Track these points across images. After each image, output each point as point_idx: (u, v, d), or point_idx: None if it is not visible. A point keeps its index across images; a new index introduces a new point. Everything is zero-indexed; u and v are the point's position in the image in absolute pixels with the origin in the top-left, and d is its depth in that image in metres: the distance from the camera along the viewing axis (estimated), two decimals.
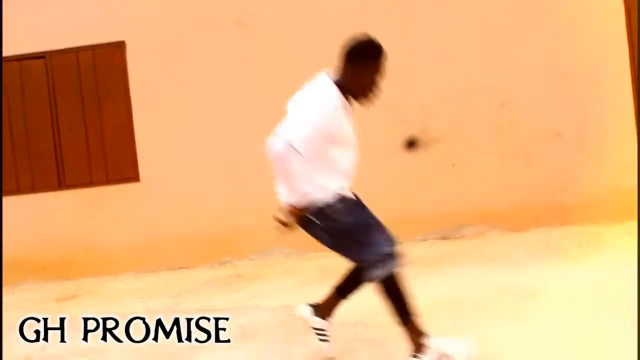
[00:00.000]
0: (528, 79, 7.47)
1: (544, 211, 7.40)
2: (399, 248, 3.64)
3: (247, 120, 7.59)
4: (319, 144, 3.53)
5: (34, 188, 8.04)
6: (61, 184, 8.02)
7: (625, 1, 7.17)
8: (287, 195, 3.62)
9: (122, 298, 6.26)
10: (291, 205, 3.61)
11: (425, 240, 7.56)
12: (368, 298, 5.23)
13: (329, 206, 3.61)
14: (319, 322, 4.00)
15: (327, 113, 3.55)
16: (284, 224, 3.62)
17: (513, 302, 4.66)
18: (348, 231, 3.65)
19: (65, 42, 7.98)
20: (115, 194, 7.93)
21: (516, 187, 7.52)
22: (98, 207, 7.93)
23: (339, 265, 6.81)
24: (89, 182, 7.97)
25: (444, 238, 7.56)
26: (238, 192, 7.69)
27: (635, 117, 7.12)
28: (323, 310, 4.03)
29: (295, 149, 3.43)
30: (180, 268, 7.75)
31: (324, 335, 3.97)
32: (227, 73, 7.76)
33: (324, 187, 3.61)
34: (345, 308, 4.99)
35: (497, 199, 7.54)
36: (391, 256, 3.59)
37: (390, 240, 3.63)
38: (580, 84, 7.37)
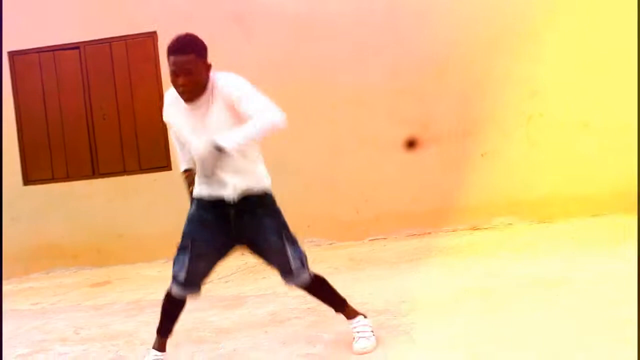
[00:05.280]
0: (558, 69, 7.44)
1: (573, 202, 7.39)
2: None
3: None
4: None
5: (68, 176, 8.18)
6: (95, 172, 8.16)
7: None
8: None
9: (154, 285, 6.34)
10: None
11: (454, 230, 7.59)
12: (392, 287, 5.33)
13: None
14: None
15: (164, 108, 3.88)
16: None
17: (540, 293, 4.68)
18: None
19: (98, 32, 8.08)
20: (148, 182, 8.05)
21: (545, 178, 7.51)
22: (131, 195, 8.05)
23: (368, 254, 6.93)
24: (122, 170, 8.10)
25: (474, 228, 7.58)
26: None
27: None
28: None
29: None
30: None
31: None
32: (256, 65, 7.82)
33: None
34: (369, 296, 5.07)
35: (525, 189, 7.53)
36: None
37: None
38: (609, 74, 7.33)
